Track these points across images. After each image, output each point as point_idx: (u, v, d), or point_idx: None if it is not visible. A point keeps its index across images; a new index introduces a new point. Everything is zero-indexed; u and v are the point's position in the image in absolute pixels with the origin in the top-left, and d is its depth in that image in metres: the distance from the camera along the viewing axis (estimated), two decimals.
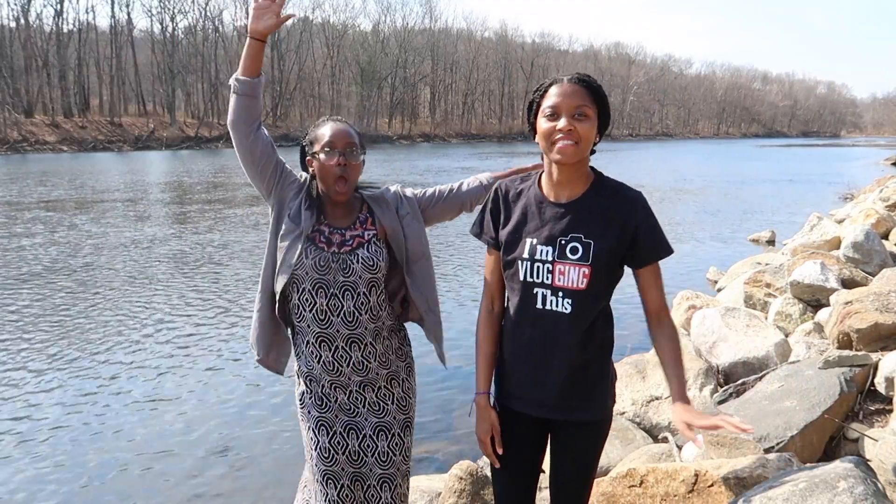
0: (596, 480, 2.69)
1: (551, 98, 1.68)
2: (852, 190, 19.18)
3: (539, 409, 1.84)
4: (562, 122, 1.66)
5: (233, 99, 2.00)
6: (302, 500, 2.25)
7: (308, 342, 2.06)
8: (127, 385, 5.12)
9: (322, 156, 2.02)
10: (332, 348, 2.05)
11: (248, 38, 1.99)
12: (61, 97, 48.34)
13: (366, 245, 2.07)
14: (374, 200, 2.16)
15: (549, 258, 1.72)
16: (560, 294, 1.72)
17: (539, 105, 1.72)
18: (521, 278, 1.76)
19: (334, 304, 2.02)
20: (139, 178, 23.62)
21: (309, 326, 2.05)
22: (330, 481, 2.07)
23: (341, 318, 2.03)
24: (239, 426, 4.47)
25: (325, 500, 2.07)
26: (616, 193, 1.73)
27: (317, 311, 2.03)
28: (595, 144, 1.75)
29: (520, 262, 1.76)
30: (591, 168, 1.78)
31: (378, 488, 2.11)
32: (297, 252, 2.01)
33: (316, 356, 2.06)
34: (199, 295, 7.75)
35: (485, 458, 3.67)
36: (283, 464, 3.93)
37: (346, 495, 2.08)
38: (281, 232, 2.05)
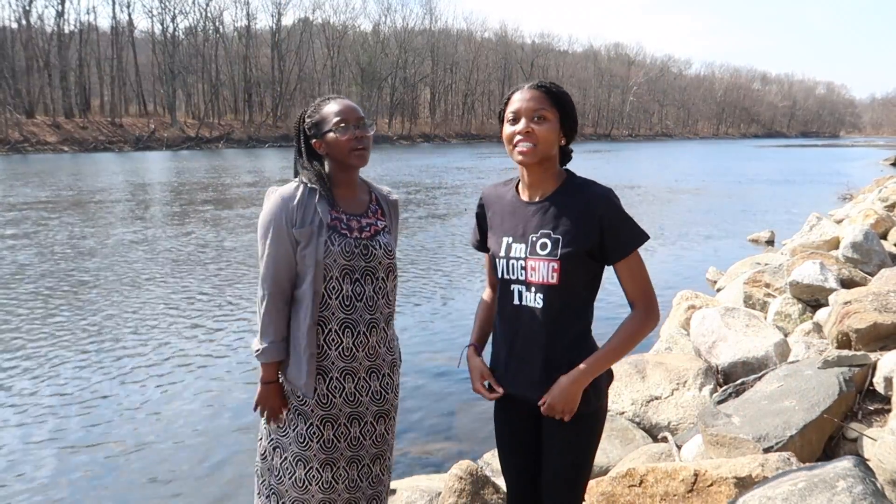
0: (595, 480, 2.70)
1: (514, 104, 1.80)
2: (851, 190, 19.18)
3: (527, 396, 1.89)
4: (520, 125, 1.77)
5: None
6: (266, 486, 2.24)
7: (331, 330, 2.07)
8: (120, 383, 5.12)
9: (337, 133, 2.05)
10: (355, 334, 2.08)
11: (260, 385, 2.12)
12: (62, 98, 48.35)
13: (381, 232, 2.16)
14: (388, 203, 2.24)
15: (522, 255, 1.81)
16: (532, 289, 1.80)
17: (504, 112, 1.84)
18: (500, 276, 1.87)
19: (358, 290, 2.07)
20: (138, 179, 23.63)
21: (333, 314, 2.07)
22: (327, 466, 2.13)
23: (364, 304, 2.08)
24: (234, 424, 4.48)
25: (320, 484, 2.12)
26: (584, 191, 1.79)
27: (343, 297, 2.07)
28: (568, 146, 1.86)
29: (497, 259, 1.87)
30: (566, 169, 1.88)
31: (371, 465, 2.20)
32: (323, 244, 2.03)
33: (336, 343, 2.08)
34: (193, 294, 7.75)
35: (484, 458, 3.71)
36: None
37: (341, 475, 2.15)
38: (300, 245, 2.04)
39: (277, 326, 2.07)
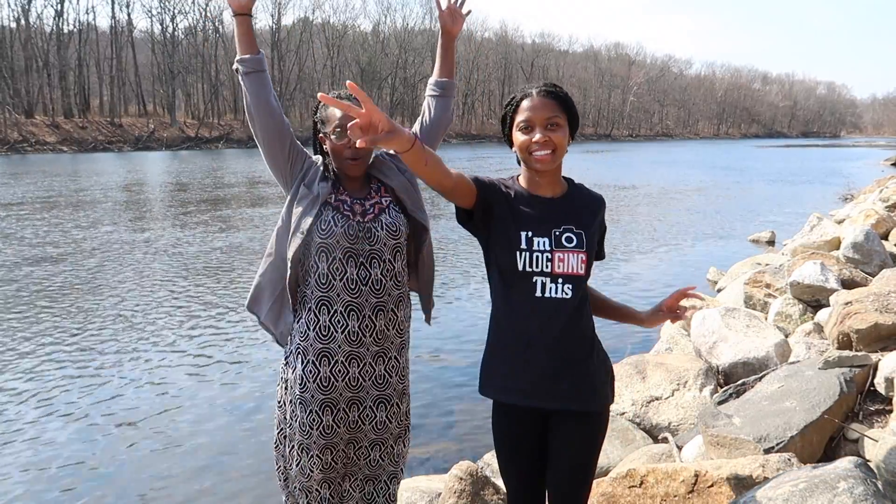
0: (596, 481, 2.69)
1: (524, 112, 1.81)
2: (852, 190, 19.18)
3: (533, 399, 1.85)
4: (537, 135, 1.79)
5: (246, 81, 2.05)
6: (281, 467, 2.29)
7: (336, 311, 2.08)
8: (123, 382, 5.13)
9: (333, 137, 2.07)
10: (361, 317, 2.09)
11: (233, 18, 2.06)
12: (62, 98, 48.38)
13: (387, 210, 2.16)
14: (376, 168, 2.24)
15: (547, 248, 1.82)
16: (560, 280, 1.81)
17: (513, 119, 1.85)
18: (520, 268, 1.81)
19: (363, 274, 2.08)
20: (138, 179, 23.62)
21: (339, 296, 2.08)
22: (327, 450, 2.16)
23: (370, 287, 2.09)
24: (240, 425, 4.47)
25: (321, 467, 2.15)
26: (588, 194, 1.97)
27: (347, 279, 2.08)
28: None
29: (518, 252, 1.81)
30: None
31: (369, 449, 2.23)
32: (311, 219, 2.05)
33: (342, 326, 2.09)
34: (193, 294, 7.75)
35: (485, 459, 3.69)
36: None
37: (339, 456, 2.19)
38: (297, 196, 2.10)
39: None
